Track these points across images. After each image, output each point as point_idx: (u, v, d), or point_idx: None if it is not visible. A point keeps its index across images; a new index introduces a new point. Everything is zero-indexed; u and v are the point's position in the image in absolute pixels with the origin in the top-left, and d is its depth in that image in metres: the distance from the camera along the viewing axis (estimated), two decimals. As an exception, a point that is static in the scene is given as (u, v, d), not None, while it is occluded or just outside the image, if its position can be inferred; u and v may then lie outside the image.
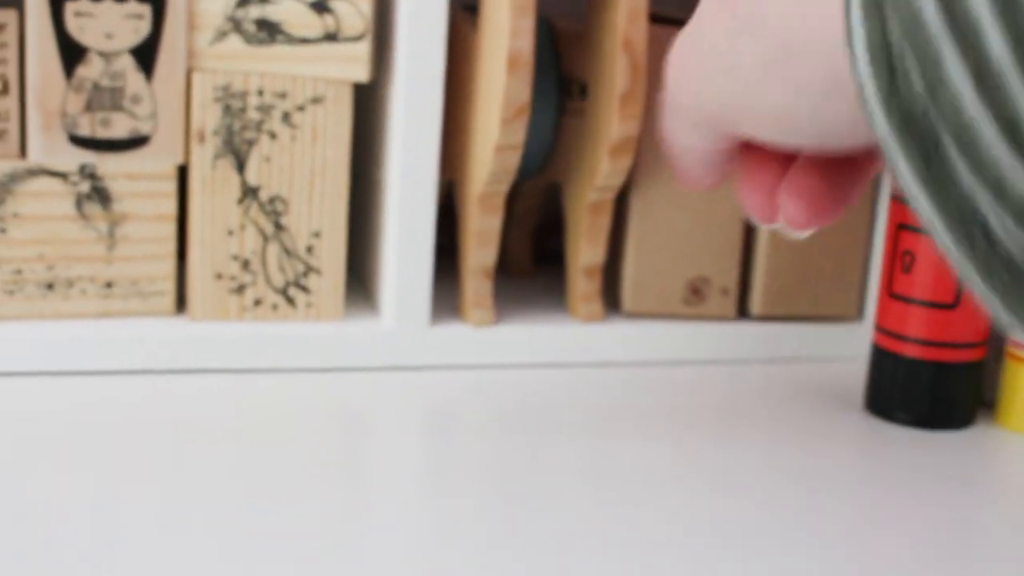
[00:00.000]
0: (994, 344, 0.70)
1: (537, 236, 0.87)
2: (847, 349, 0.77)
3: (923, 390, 0.67)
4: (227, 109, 0.64)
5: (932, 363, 0.67)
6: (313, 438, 0.57)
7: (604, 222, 0.70)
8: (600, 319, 0.72)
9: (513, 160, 0.65)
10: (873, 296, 0.76)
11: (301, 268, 0.66)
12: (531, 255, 0.82)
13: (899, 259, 0.68)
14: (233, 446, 0.55)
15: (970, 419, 0.68)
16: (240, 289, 0.66)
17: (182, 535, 0.46)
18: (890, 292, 0.68)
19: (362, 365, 0.67)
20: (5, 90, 0.62)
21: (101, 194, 0.64)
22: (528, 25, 0.62)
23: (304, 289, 0.67)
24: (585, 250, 0.70)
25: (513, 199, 0.81)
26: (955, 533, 0.52)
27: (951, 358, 0.67)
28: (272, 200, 0.65)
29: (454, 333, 0.69)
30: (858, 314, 0.78)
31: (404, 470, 0.55)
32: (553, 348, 0.70)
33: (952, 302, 0.66)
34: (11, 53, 0.62)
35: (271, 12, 0.64)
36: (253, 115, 0.65)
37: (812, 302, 0.76)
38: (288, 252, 0.66)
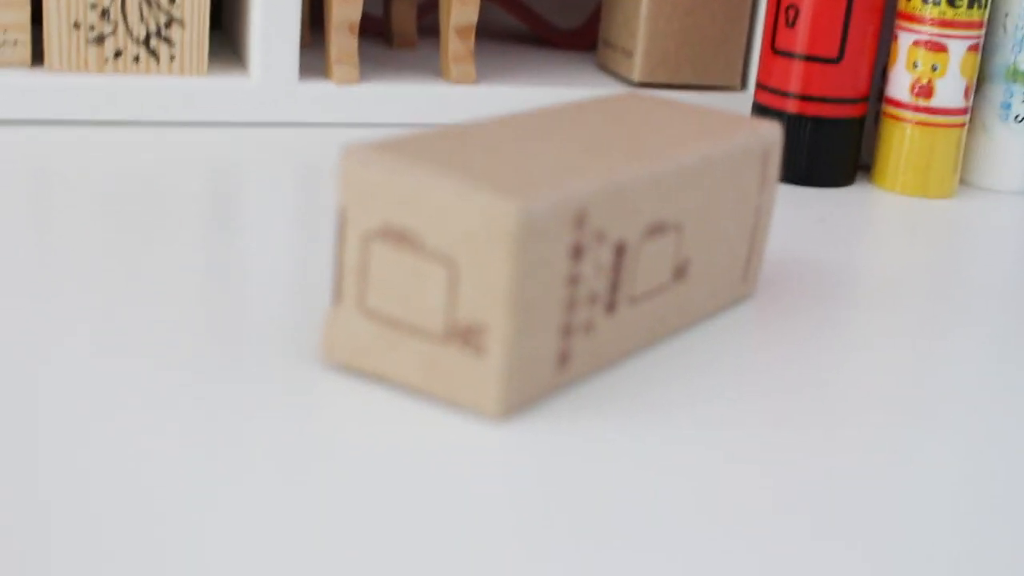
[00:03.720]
0: (873, 105, 0.68)
1: (423, 9, 0.83)
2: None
3: (802, 146, 0.64)
4: None
5: (812, 119, 0.64)
6: (176, 190, 0.53)
7: (480, -23, 0.66)
8: (472, 81, 0.68)
9: None
10: (756, 63, 0.73)
11: (163, 19, 0.62)
12: (415, 26, 0.78)
13: (783, 13, 0.64)
14: (95, 198, 0.51)
15: (849, 178, 0.66)
16: (99, 39, 0.62)
17: (40, 287, 0.43)
18: (773, 48, 0.64)
19: (227, 120, 0.63)
20: None
21: (-52, -63, 0.59)
22: None
23: (167, 41, 0.63)
24: (457, 8, 0.66)
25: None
26: (832, 285, 0.50)
27: (831, 114, 0.64)
28: (130, -54, 0.61)
29: (320, 91, 0.65)
30: (742, 84, 0.75)
31: (269, 221, 0.52)
32: (420, 108, 0.67)
33: (835, 56, 0.63)
34: None
35: None
36: None
37: (695, 70, 0.73)
38: (149, 2, 0.62)
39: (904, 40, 0.63)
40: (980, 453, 0.36)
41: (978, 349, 0.44)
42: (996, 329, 0.46)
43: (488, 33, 0.83)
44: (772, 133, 0.44)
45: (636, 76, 0.72)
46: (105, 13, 0.61)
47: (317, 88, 0.64)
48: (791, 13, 0.63)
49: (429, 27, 0.83)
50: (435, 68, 0.71)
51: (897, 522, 0.32)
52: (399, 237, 0.34)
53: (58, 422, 0.33)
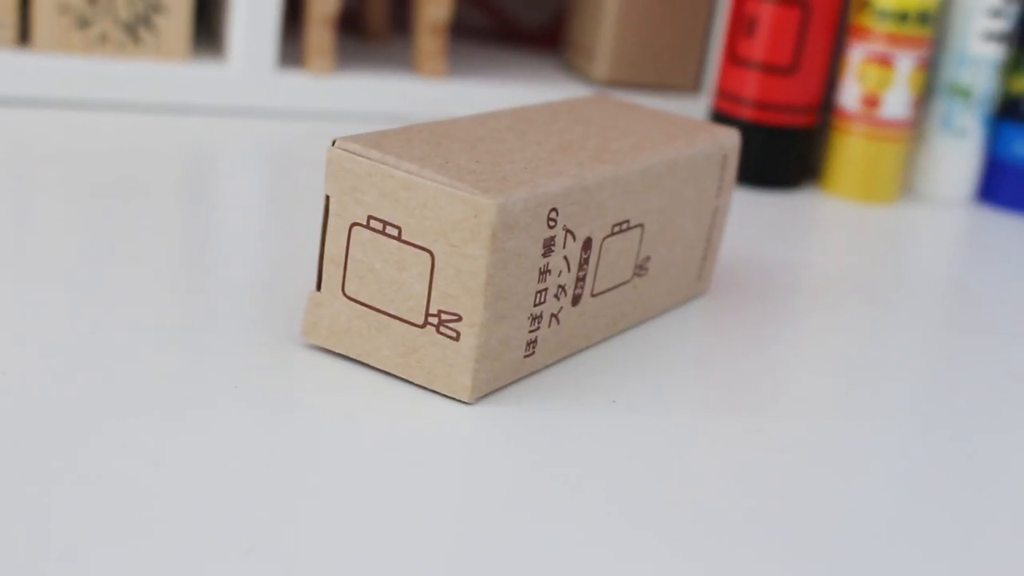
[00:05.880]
0: (823, 114, 0.70)
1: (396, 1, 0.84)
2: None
3: (756, 151, 0.67)
4: None
5: (765, 127, 0.66)
6: (154, 172, 0.54)
7: (454, -23, 0.67)
8: (442, 76, 0.69)
9: None
10: (712, 67, 0.75)
11: (148, 5, 0.63)
12: (388, 19, 0.79)
13: (742, 23, 0.66)
14: (75, 180, 0.53)
15: (798, 183, 0.68)
16: (85, 23, 0.63)
17: (23, 269, 0.45)
18: (732, 56, 0.66)
19: (206, 106, 0.64)
20: None
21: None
22: None
23: (151, 27, 0.64)
24: (430, 6, 0.68)
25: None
26: (780, 284, 0.52)
27: (784, 121, 0.66)
28: (117, -66, 0.62)
29: (298, 80, 0.66)
30: (695, 85, 0.77)
31: (245, 205, 0.53)
32: (392, 100, 0.68)
33: (789, 66, 0.65)
34: None
35: None
36: None
37: (654, 71, 0.75)
38: (134, -11, 0.63)
39: (854, 53, 0.65)
40: (912, 438, 0.38)
41: (913, 345, 0.46)
42: (929, 326, 0.48)
43: (459, 30, 0.85)
44: (731, 139, 0.46)
45: (598, 75, 0.74)
46: (91, -2, 0.62)
47: (294, 77, 0.66)
48: (750, 23, 0.65)
49: (402, 21, 0.84)
50: (407, 62, 0.72)
51: (834, 506, 0.34)
52: (381, 228, 0.36)
53: (45, 402, 0.34)
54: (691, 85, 0.76)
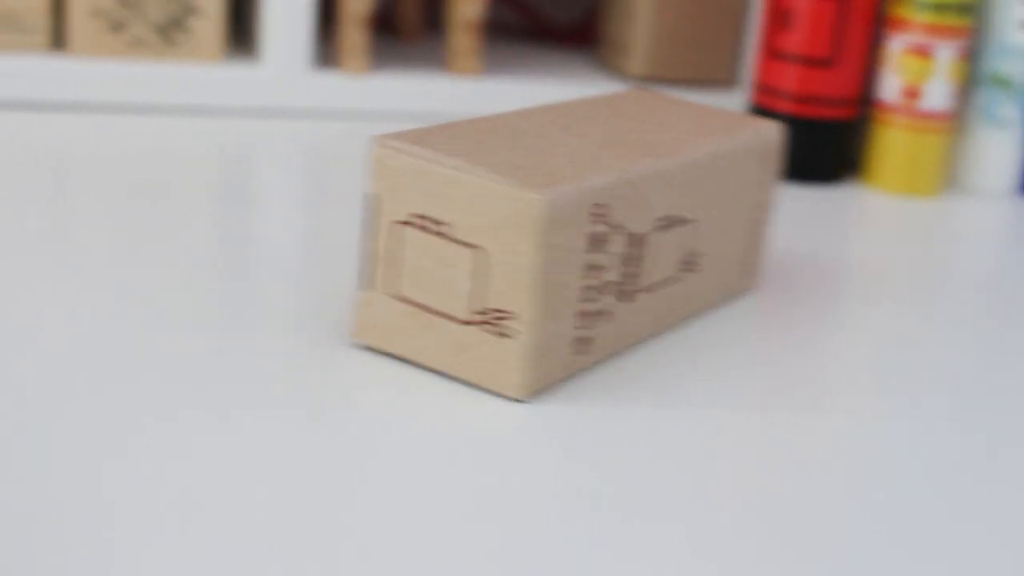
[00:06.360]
0: (863, 106, 0.69)
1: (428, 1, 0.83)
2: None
3: (796, 146, 0.66)
4: None
5: (805, 119, 0.65)
6: (191, 174, 0.54)
7: (488, -26, 0.67)
8: (477, 74, 0.69)
9: None
10: (748, 61, 0.74)
11: (182, 8, 0.63)
12: (421, 18, 0.79)
13: (779, 16, 0.65)
14: (113, 183, 0.52)
15: (840, 177, 0.67)
16: (119, 27, 0.62)
17: (66, 272, 0.44)
18: (769, 50, 0.66)
19: (241, 107, 0.64)
20: None
21: (-26, -76, 0.60)
22: None
23: (185, 30, 0.63)
24: (464, 4, 0.67)
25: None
26: (827, 280, 0.51)
27: (823, 114, 0.65)
28: (150, -63, 0.61)
29: (332, 80, 0.66)
30: (732, 80, 0.76)
31: (284, 205, 0.53)
32: (427, 99, 0.68)
33: (827, 58, 0.64)
34: None
35: None
36: None
37: (689, 66, 0.74)
38: (167, -9, 0.63)
39: (893, 44, 0.64)
40: (958, 439, 0.37)
41: (960, 344, 0.45)
42: (977, 323, 0.48)
43: (492, 28, 0.84)
44: (773, 132, 0.45)
45: (633, 71, 0.73)
46: (126, 1, 0.61)
47: (328, 78, 0.65)
48: (786, 16, 0.64)
49: (435, 20, 0.84)
50: (441, 60, 0.72)
51: (876, 508, 0.33)
52: (429, 225, 0.36)
53: (88, 403, 0.34)
54: (727, 80, 0.75)
